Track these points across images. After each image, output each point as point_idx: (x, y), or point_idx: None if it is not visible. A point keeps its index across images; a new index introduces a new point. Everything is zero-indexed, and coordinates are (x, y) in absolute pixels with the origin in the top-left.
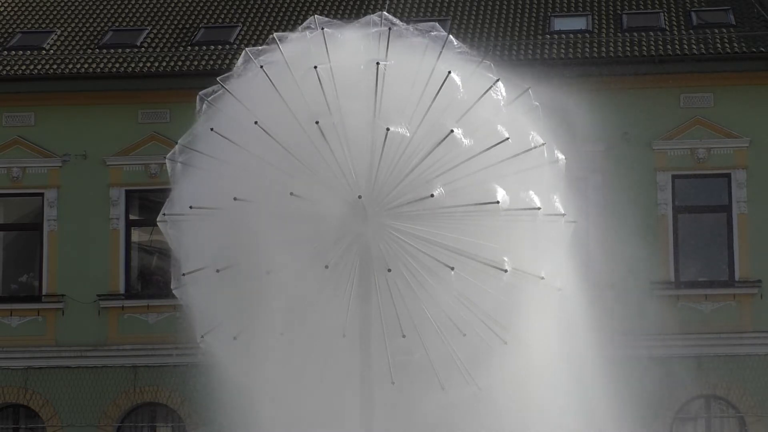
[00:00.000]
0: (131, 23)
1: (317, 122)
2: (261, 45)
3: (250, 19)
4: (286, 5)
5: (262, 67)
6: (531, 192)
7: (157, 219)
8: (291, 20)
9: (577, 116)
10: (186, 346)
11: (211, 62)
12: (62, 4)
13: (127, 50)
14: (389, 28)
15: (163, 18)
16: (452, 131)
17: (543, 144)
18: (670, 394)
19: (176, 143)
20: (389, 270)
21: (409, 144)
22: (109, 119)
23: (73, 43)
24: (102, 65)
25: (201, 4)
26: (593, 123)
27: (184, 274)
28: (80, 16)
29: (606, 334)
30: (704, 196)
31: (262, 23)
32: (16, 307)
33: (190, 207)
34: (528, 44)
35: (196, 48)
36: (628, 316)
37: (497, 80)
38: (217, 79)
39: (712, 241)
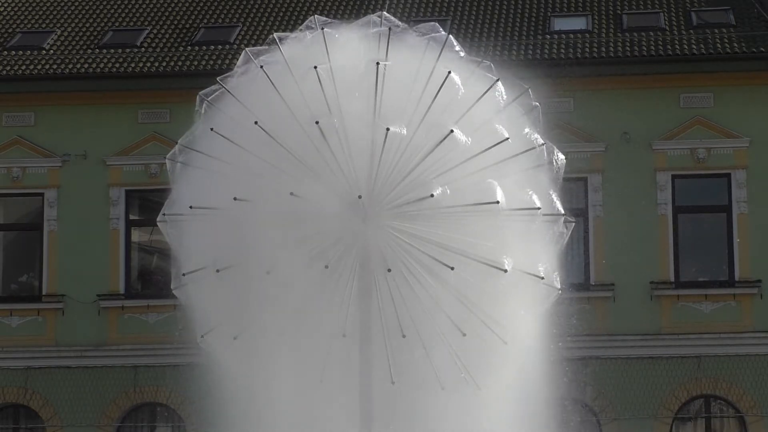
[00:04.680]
0: (131, 23)
1: (317, 122)
2: (261, 45)
3: (250, 19)
4: (286, 5)
5: (262, 67)
6: (531, 192)
7: (157, 219)
8: (291, 20)
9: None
10: (186, 346)
11: (211, 62)
12: (62, 4)
13: (127, 50)
14: (389, 29)
15: (163, 18)
16: (452, 131)
17: (543, 144)
18: (670, 394)
19: (176, 143)
20: (389, 270)
21: (409, 144)
22: (109, 119)
23: (73, 43)
24: (102, 65)
25: (201, 4)
26: (593, 123)
27: (184, 274)
28: (80, 16)
29: (605, 334)
30: (704, 196)
31: (262, 23)
32: (16, 307)
33: (190, 207)
34: (528, 44)
35: (196, 48)
36: (628, 316)
37: (497, 80)
38: (217, 79)
39: (712, 241)
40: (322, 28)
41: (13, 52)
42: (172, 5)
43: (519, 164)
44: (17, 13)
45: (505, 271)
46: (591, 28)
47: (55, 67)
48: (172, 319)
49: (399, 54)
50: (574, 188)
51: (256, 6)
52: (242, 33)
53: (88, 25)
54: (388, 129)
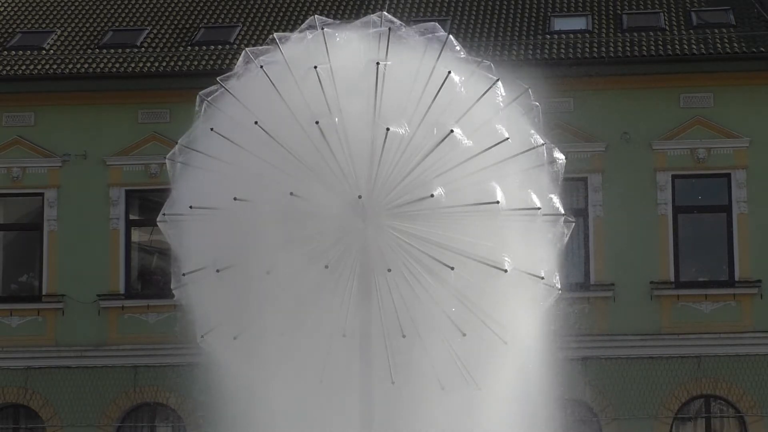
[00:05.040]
0: (131, 23)
1: (317, 122)
2: (261, 45)
3: (250, 19)
4: (286, 5)
5: (262, 67)
6: (531, 192)
7: (157, 219)
8: (291, 20)
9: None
10: (186, 346)
11: (211, 62)
12: (62, 4)
13: (127, 50)
14: (389, 28)
15: (163, 18)
16: (452, 131)
17: (543, 144)
18: (670, 394)
19: (176, 143)
20: (389, 270)
21: (409, 144)
22: (109, 119)
23: (73, 43)
24: (102, 65)
25: (201, 4)
26: (593, 123)
27: (184, 274)
28: (80, 16)
29: (605, 334)
30: (704, 196)
31: (262, 23)
32: (16, 307)
33: (190, 207)
34: (528, 44)
35: (196, 48)
36: (628, 316)
37: (497, 80)
38: (217, 79)
39: (712, 241)
40: (322, 28)
41: (13, 52)
42: (172, 5)
43: (519, 164)
44: (17, 13)
45: (505, 271)
46: (591, 28)
47: (55, 67)
48: (172, 319)
49: (399, 54)
50: (574, 188)
51: (256, 6)
52: (242, 33)
53: (88, 25)
54: (388, 129)
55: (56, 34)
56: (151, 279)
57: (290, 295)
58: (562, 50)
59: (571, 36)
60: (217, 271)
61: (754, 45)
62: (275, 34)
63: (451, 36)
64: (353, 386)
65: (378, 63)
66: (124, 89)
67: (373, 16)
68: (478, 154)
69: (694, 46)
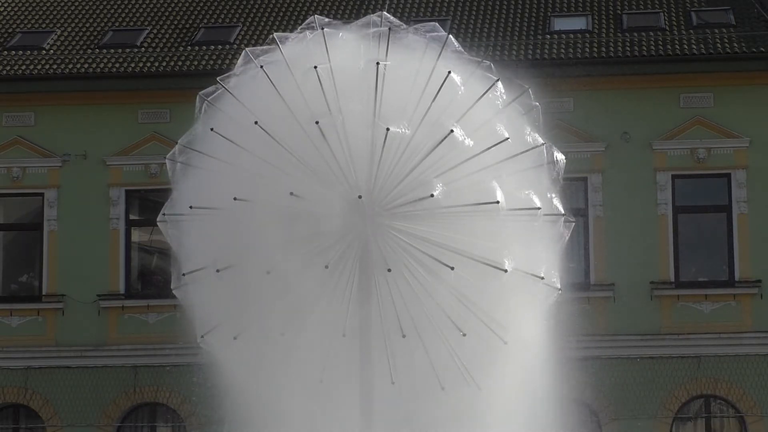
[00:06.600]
0: (131, 23)
1: (317, 122)
2: (261, 45)
3: (250, 19)
4: (286, 5)
5: (262, 67)
6: (531, 192)
7: (157, 219)
8: (291, 20)
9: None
10: (186, 346)
11: (211, 62)
12: (62, 4)
13: (127, 50)
14: (389, 29)
15: (163, 18)
16: (452, 131)
17: (542, 144)
18: (670, 394)
19: (176, 143)
20: (389, 270)
21: (409, 144)
22: (109, 119)
23: (73, 43)
24: (102, 65)
25: (201, 4)
26: (593, 123)
27: (184, 274)
28: (80, 16)
29: (605, 334)
30: (704, 196)
31: (262, 23)
32: (16, 307)
33: (190, 207)
34: (528, 44)
35: (196, 48)
36: (628, 316)
37: (497, 80)
38: (217, 79)
39: (712, 241)
40: (322, 28)
41: (13, 52)
42: (172, 5)
43: (519, 164)
44: (17, 13)
45: (505, 271)
46: (591, 28)
47: (55, 67)
48: (172, 319)
49: (399, 54)
50: (574, 188)
51: (256, 6)
52: (242, 33)
53: (88, 25)
54: (388, 129)
55: (56, 34)
56: (151, 279)
57: (290, 295)
58: (562, 50)
59: (571, 36)
60: (217, 271)
61: (754, 45)
62: (275, 34)
63: (451, 36)
64: (353, 386)
65: (378, 63)
66: (124, 89)
67: (373, 17)
68: (478, 154)
69: (694, 46)
